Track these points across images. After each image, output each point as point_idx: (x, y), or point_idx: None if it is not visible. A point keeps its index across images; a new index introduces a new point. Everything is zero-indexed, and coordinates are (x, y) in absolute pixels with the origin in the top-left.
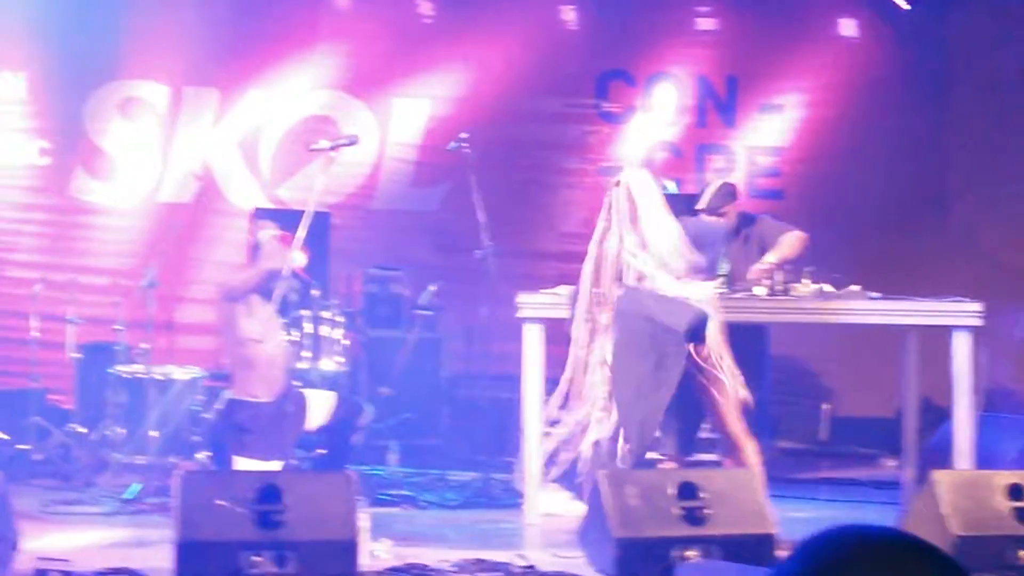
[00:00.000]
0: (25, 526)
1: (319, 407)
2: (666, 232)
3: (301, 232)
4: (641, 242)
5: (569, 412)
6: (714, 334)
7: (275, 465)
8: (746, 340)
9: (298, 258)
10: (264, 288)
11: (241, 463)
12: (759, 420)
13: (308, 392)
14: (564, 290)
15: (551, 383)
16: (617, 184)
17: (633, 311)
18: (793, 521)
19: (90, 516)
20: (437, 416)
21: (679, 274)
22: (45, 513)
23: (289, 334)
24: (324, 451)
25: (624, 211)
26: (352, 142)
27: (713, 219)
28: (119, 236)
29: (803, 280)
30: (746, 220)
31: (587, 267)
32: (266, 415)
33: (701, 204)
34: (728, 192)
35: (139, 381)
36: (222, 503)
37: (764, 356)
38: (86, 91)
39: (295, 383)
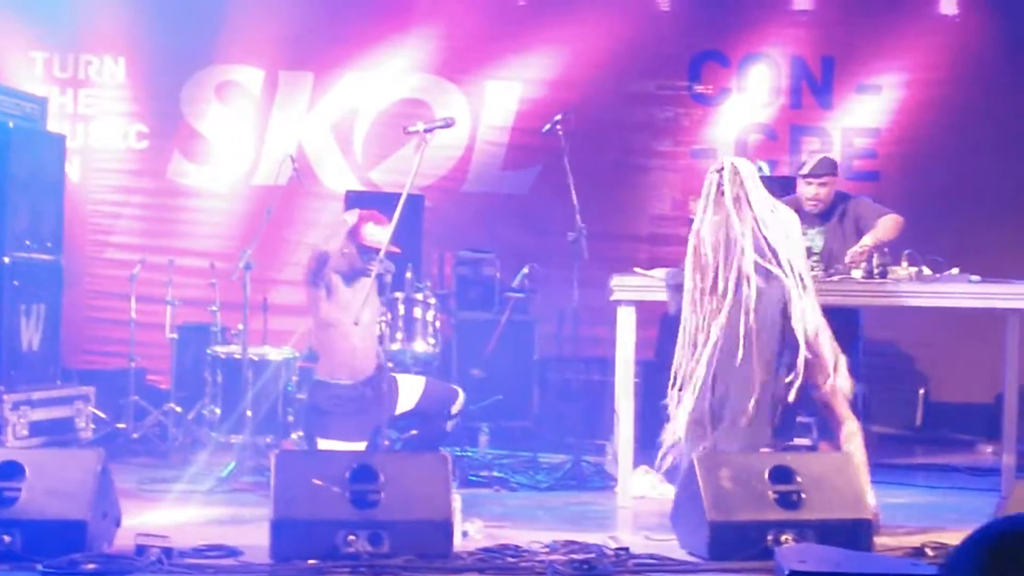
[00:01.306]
0: (124, 503)
1: (408, 391)
2: (778, 219)
3: (396, 214)
4: (754, 228)
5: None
6: (818, 315)
7: (357, 447)
8: (837, 323)
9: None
10: (347, 272)
11: (322, 444)
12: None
13: (400, 376)
14: (658, 272)
15: (640, 365)
16: (720, 170)
17: (760, 302)
18: (889, 507)
19: (187, 494)
20: (528, 398)
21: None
22: (142, 491)
23: (382, 316)
24: (415, 432)
25: (735, 197)
26: (448, 124)
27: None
28: (215, 219)
29: (901, 263)
30: (842, 199)
31: (693, 255)
32: (346, 397)
33: (804, 170)
34: (830, 164)
35: (235, 361)
36: (318, 483)
37: (855, 339)
38: (183, 76)
39: (388, 366)
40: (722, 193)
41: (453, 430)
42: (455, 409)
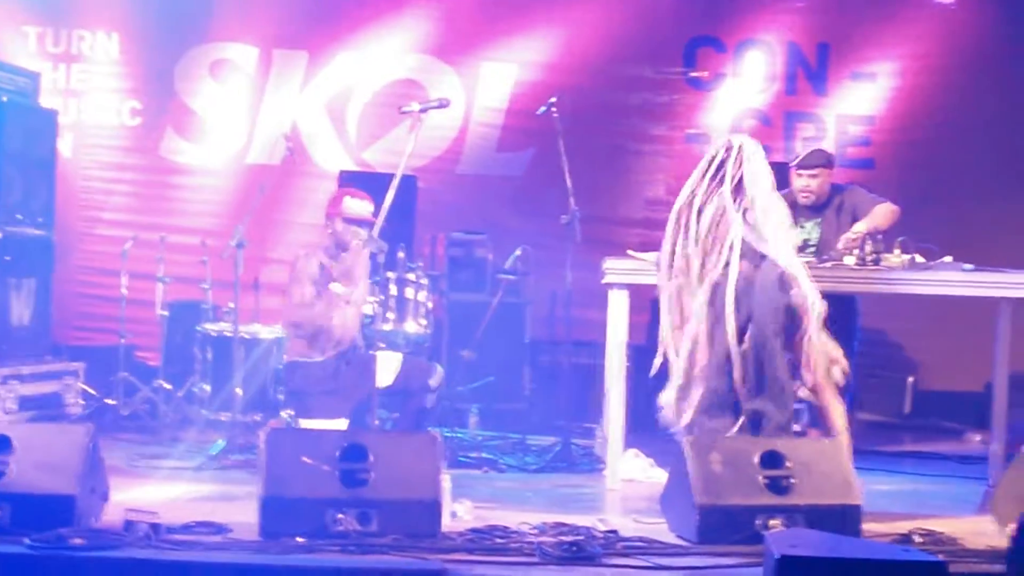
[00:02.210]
0: (113, 479)
1: (385, 368)
2: (780, 202)
3: (390, 194)
4: (761, 210)
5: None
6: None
7: (339, 424)
8: (835, 311)
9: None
10: (342, 247)
11: (305, 425)
12: (842, 391)
13: (377, 354)
14: (651, 256)
15: (632, 349)
16: (728, 148)
17: (763, 284)
18: (876, 494)
19: (176, 471)
20: (519, 381)
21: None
22: (132, 467)
23: (373, 296)
24: (397, 413)
25: (739, 176)
26: (443, 105)
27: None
28: (208, 196)
29: (894, 250)
30: (838, 190)
31: (689, 233)
32: (322, 375)
33: (796, 162)
34: (823, 156)
35: (225, 339)
36: (308, 461)
37: (853, 328)
38: (177, 53)
39: (360, 344)
40: (724, 170)
41: (434, 405)
42: (434, 383)
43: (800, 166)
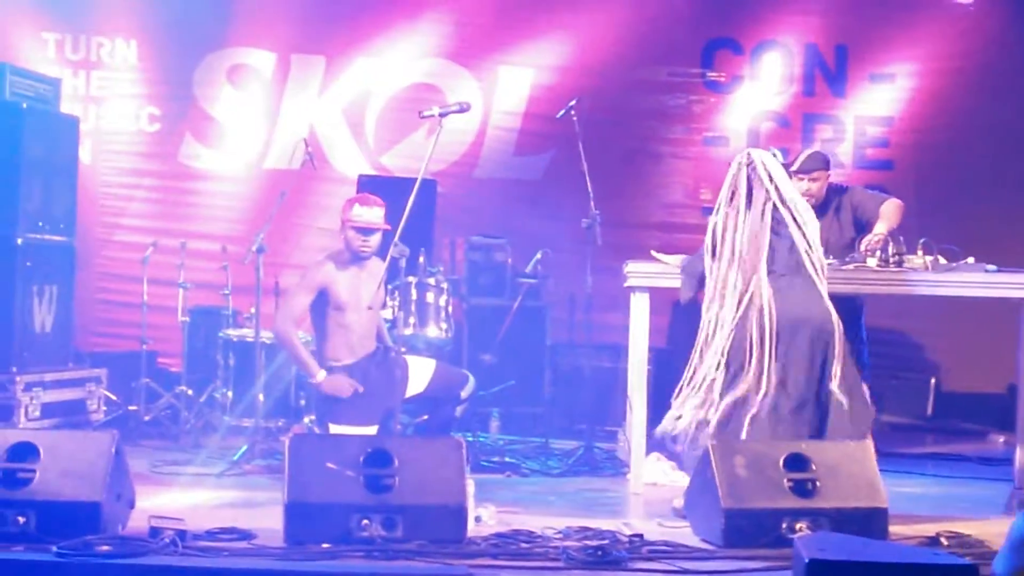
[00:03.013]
0: (136, 486)
1: (419, 374)
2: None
3: (411, 199)
4: (794, 226)
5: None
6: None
7: (369, 431)
8: (839, 312)
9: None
10: (354, 255)
11: (334, 430)
12: None
13: (410, 359)
14: (674, 259)
15: (653, 352)
16: (750, 165)
17: (801, 300)
18: (899, 496)
19: (199, 477)
20: (540, 384)
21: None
22: (155, 473)
23: (394, 299)
24: (426, 417)
25: (766, 193)
26: (463, 109)
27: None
28: (227, 202)
29: (917, 252)
30: (835, 191)
31: (724, 249)
32: (351, 375)
33: (794, 166)
34: (821, 159)
35: (247, 345)
36: (332, 466)
37: (858, 327)
38: (195, 58)
39: (401, 349)
40: (752, 188)
41: (463, 415)
42: (465, 394)
43: (800, 171)
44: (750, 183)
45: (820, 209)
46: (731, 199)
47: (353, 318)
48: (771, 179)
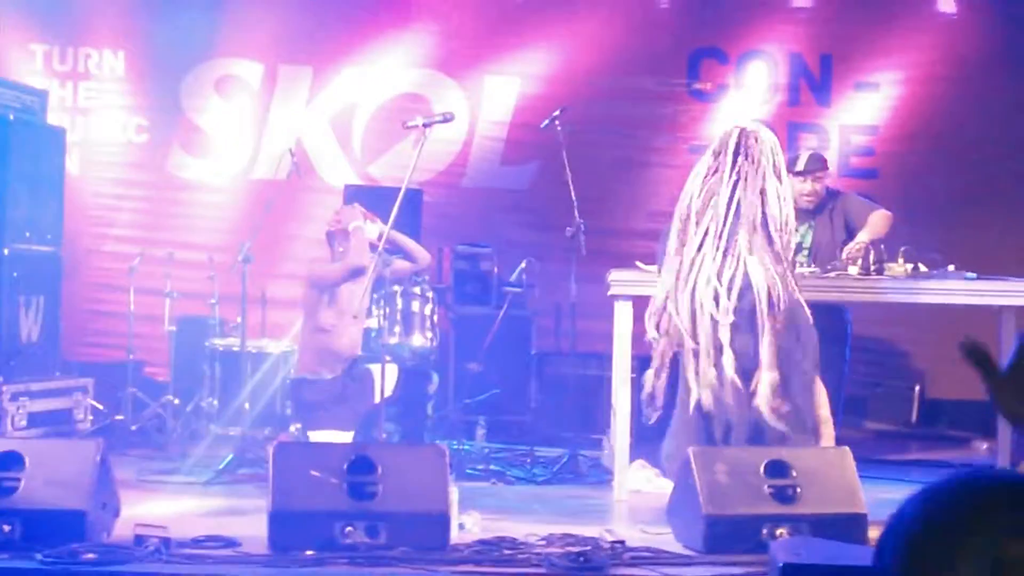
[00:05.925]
0: (122, 494)
1: (385, 380)
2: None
3: (395, 208)
4: (764, 201)
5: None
6: None
7: (347, 436)
8: (825, 322)
9: (371, 230)
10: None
11: (314, 437)
12: (835, 399)
13: (372, 367)
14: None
15: (637, 360)
16: (745, 131)
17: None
18: (883, 502)
19: (185, 485)
20: (525, 393)
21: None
22: (141, 482)
23: (379, 310)
24: (399, 424)
25: (755, 163)
26: (447, 119)
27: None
28: (214, 212)
29: (898, 260)
30: (832, 196)
31: (710, 225)
32: (330, 389)
33: (799, 167)
34: (822, 159)
35: (233, 354)
36: (316, 474)
37: (845, 337)
38: (183, 69)
39: (359, 358)
40: (741, 155)
41: (434, 412)
42: (432, 389)
43: (806, 171)
44: (750, 155)
45: (815, 211)
46: (716, 159)
47: (339, 324)
48: (774, 167)
